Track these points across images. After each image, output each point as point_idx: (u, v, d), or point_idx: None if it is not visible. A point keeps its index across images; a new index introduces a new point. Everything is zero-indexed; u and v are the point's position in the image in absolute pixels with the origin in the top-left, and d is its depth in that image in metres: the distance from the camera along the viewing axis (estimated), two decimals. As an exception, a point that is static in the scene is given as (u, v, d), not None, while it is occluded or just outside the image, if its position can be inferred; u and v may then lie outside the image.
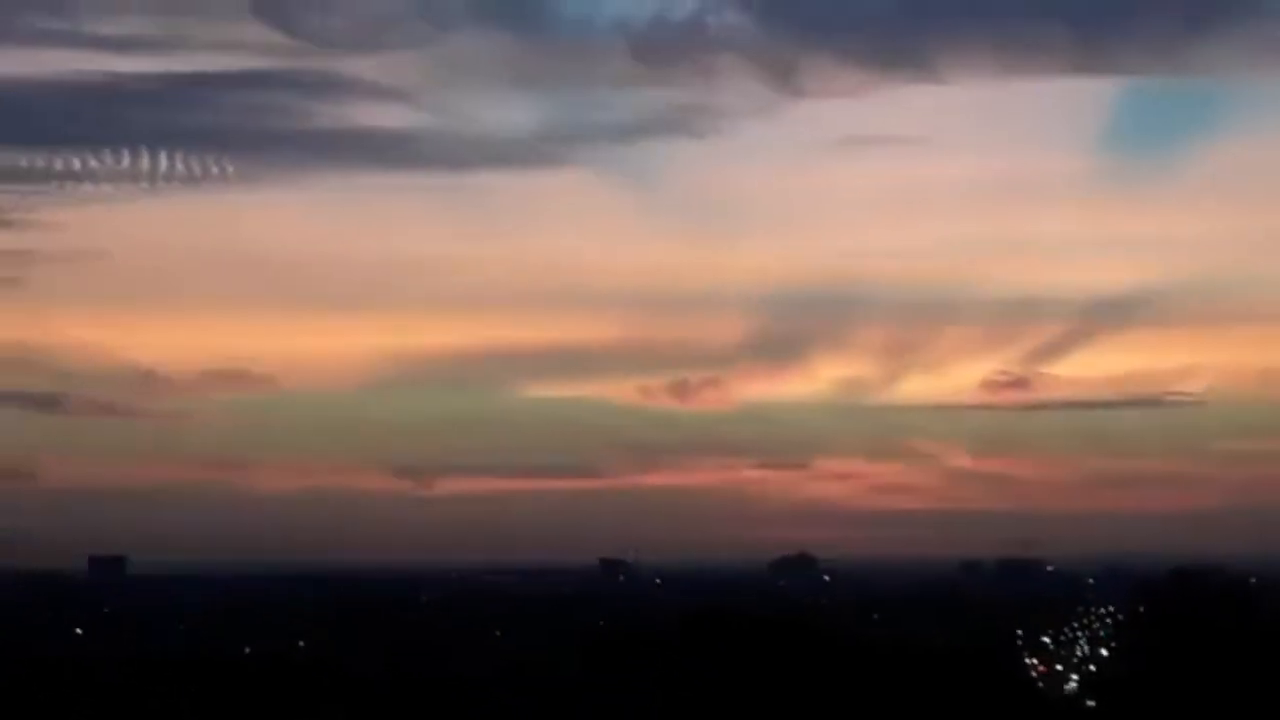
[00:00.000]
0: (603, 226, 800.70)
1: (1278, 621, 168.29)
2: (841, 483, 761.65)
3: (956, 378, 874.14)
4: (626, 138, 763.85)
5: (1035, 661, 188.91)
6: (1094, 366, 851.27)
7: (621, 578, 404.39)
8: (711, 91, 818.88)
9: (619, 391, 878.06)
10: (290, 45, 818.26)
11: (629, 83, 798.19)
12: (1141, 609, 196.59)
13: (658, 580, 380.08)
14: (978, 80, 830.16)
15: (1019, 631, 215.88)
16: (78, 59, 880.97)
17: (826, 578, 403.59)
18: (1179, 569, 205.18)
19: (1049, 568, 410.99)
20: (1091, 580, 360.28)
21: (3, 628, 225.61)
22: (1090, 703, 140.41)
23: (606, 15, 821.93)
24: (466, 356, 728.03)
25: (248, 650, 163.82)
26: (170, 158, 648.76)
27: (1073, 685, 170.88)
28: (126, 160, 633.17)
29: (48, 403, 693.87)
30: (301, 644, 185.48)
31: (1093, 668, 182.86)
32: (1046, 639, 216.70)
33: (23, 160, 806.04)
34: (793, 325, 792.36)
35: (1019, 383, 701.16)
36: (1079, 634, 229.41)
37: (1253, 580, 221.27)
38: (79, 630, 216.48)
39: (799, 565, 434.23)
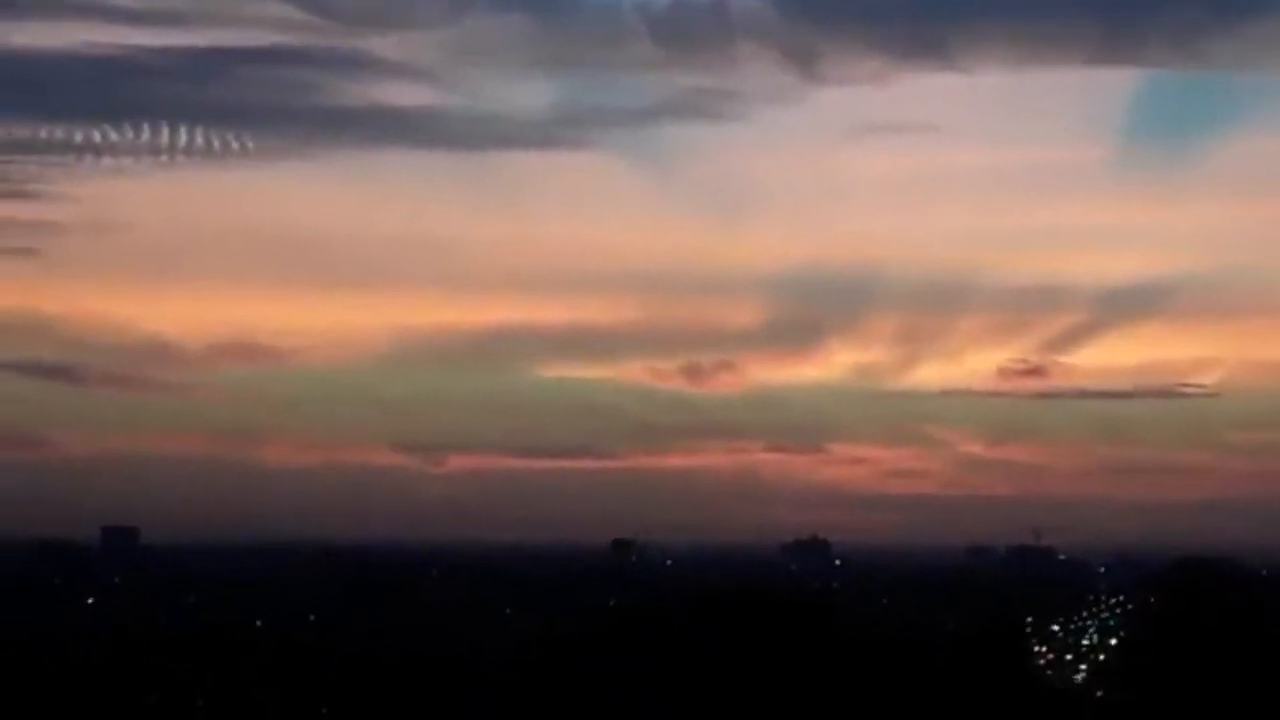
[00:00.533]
0: (620, 208, 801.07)
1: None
2: (855, 467, 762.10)
3: (971, 365, 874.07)
4: (646, 120, 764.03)
5: (1044, 649, 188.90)
6: (1109, 356, 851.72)
7: (633, 558, 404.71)
8: (731, 76, 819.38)
9: (632, 373, 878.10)
10: (312, 22, 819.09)
11: (649, 66, 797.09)
12: (1151, 599, 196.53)
13: (668, 562, 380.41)
14: (997, 69, 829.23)
15: (1028, 619, 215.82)
16: (99, 31, 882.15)
17: (838, 561, 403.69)
18: (1189, 559, 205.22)
19: (1060, 556, 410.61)
20: (1102, 569, 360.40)
21: (15, 596, 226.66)
22: (1099, 692, 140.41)
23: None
24: (481, 335, 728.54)
25: (258, 623, 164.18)
26: (190, 132, 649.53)
27: (1081, 674, 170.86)
28: (146, 134, 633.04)
29: (61, 373, 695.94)
30: (311, 618, 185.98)
31: (1101, 657, 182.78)
32: (1056, 627, 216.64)
33: (42, 132, 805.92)
34: (808, 309, 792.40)
35: (1034, 371, 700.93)
36: (1089, 623, 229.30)
37: (1263, 572, 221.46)
38: (90, 600, 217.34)
39: (811, 548, 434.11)
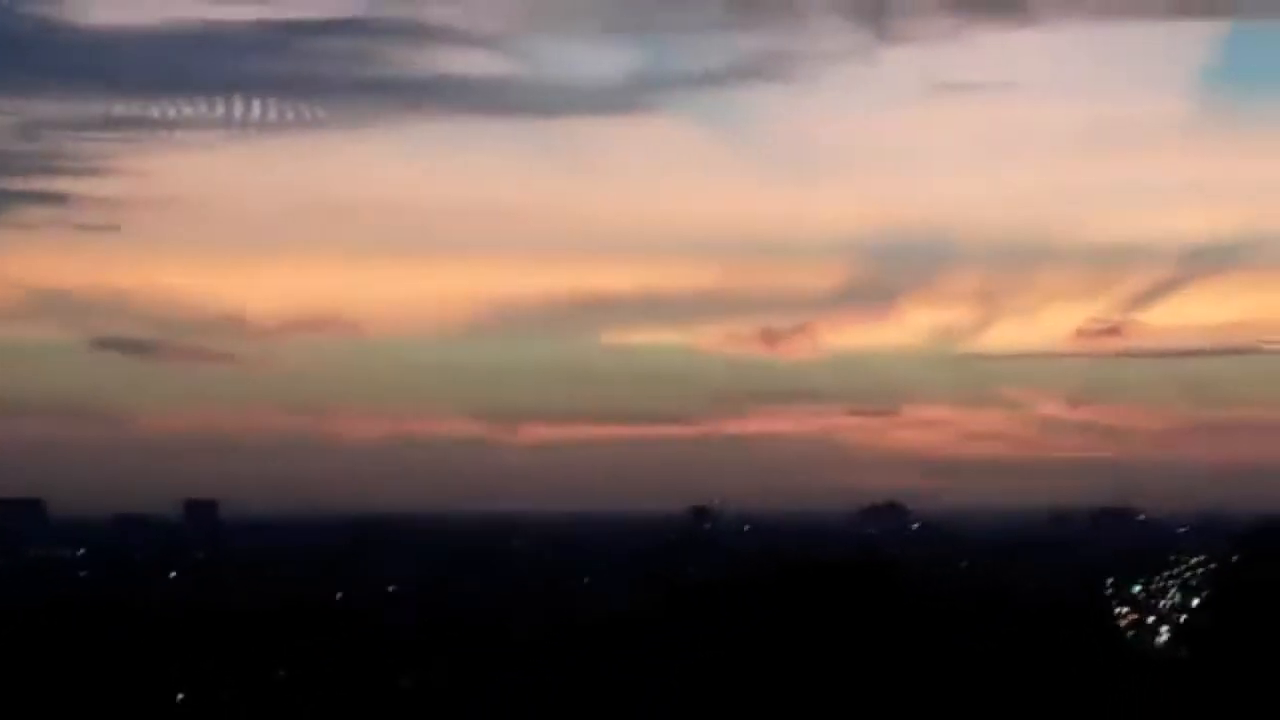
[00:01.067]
0: (693, 173, 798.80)
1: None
2: (932, 430, 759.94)
3: (1049, 326, 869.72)
4: (717, 83, 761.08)
5: (1125, 611, 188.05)
6: (1189, 314, 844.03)
7: (708, 525, 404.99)
8: (802, 37, 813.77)
9: (708, 339, 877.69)
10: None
11: (719, 28, 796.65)
12: (1233, 558, 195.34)
13: (746, 527, 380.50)
14: (1073, 24, 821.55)
15: (1109, 581, 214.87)
16: (170, 6, 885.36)
17: (915, 526, 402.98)
18: (1270, 519, 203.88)
19: (1141, 517, 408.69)
20: (1183, 530, 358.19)
21: (101, 570, 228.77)
22: (1181, 653, 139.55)
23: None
24: (555, 303, 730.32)
25: (339, 596, 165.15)
26: (262, 105, 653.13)
27: (1163, 636, 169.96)
28: (219, 108, 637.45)
29: (141, 348, 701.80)
30: (391, 589, 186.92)
31: (1183, 618, 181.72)
32: (1137, 589, 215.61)
33: (117, 108, 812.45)
34: (883, 272, 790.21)
35: (1112, 330, 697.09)
36: (1170, 584, 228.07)
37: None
38: (173, 574, 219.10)
39: (888, 514, 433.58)
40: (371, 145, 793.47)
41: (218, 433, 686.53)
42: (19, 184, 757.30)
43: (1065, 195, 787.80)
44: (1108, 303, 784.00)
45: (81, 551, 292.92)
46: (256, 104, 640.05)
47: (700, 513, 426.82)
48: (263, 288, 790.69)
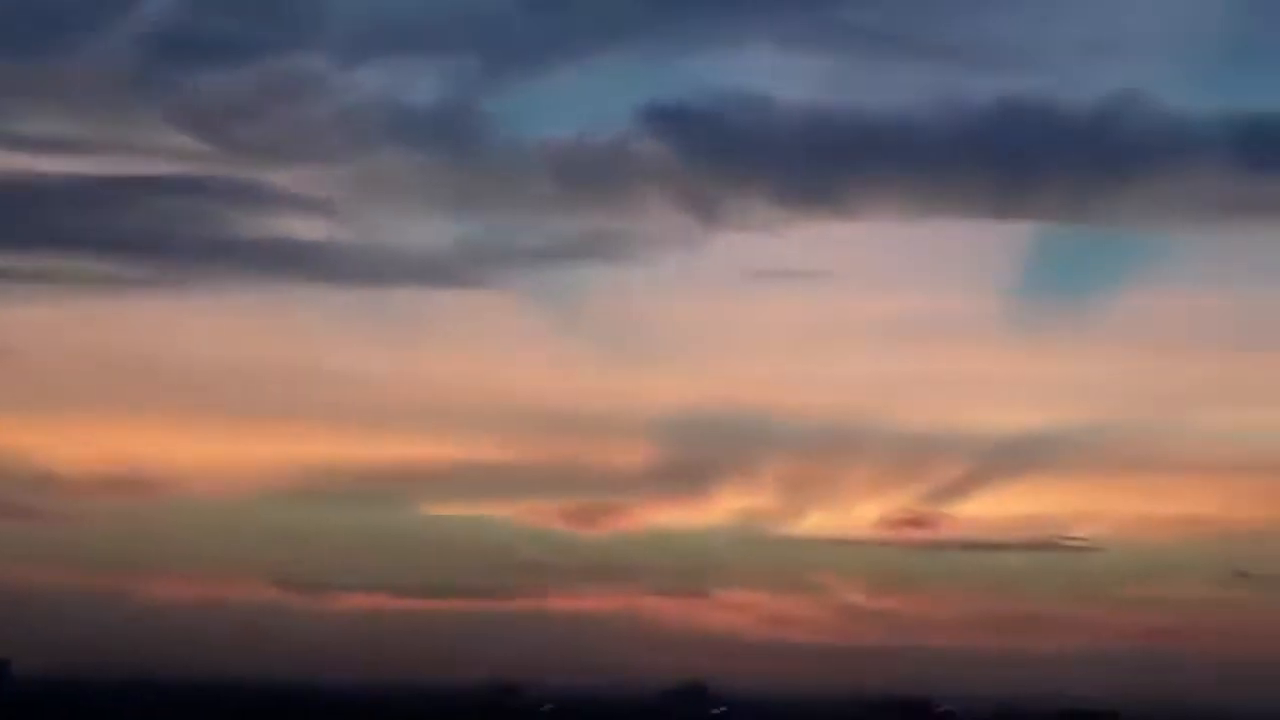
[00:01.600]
0: (516, 348, 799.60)
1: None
2: (740, 613, 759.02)
3: (858, 513, 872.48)
4: (545, 260, 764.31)
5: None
6: (994, 508, 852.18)
7: (514, 702, 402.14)
8: (631, 219, 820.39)
9: (522, 513, 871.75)
10: (210, 152, 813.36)
11: (551, 206, 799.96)
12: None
13: (547, 706, 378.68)
14: (891, 219, 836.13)
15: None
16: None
17: (721, 709, 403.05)
18: (1069, 711, 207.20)
19: (941, 708, 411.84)
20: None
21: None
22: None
23: (531, 139, 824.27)
24: (369, 471, 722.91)
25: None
26: (82, 259, 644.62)
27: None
28: (39, 260, 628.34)
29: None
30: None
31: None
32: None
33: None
34: (698, 454, 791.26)
35: (919, 521, 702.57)
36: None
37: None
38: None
39: (691, 695, 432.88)
40: (197, 305, 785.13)
41: (14, 589, 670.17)
42: None
43: (877, 385, 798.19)
44: (916, 493, 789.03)
45: None
46: (76, 258, 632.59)
47: (506, 689, 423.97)
48: (72, 445, 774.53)
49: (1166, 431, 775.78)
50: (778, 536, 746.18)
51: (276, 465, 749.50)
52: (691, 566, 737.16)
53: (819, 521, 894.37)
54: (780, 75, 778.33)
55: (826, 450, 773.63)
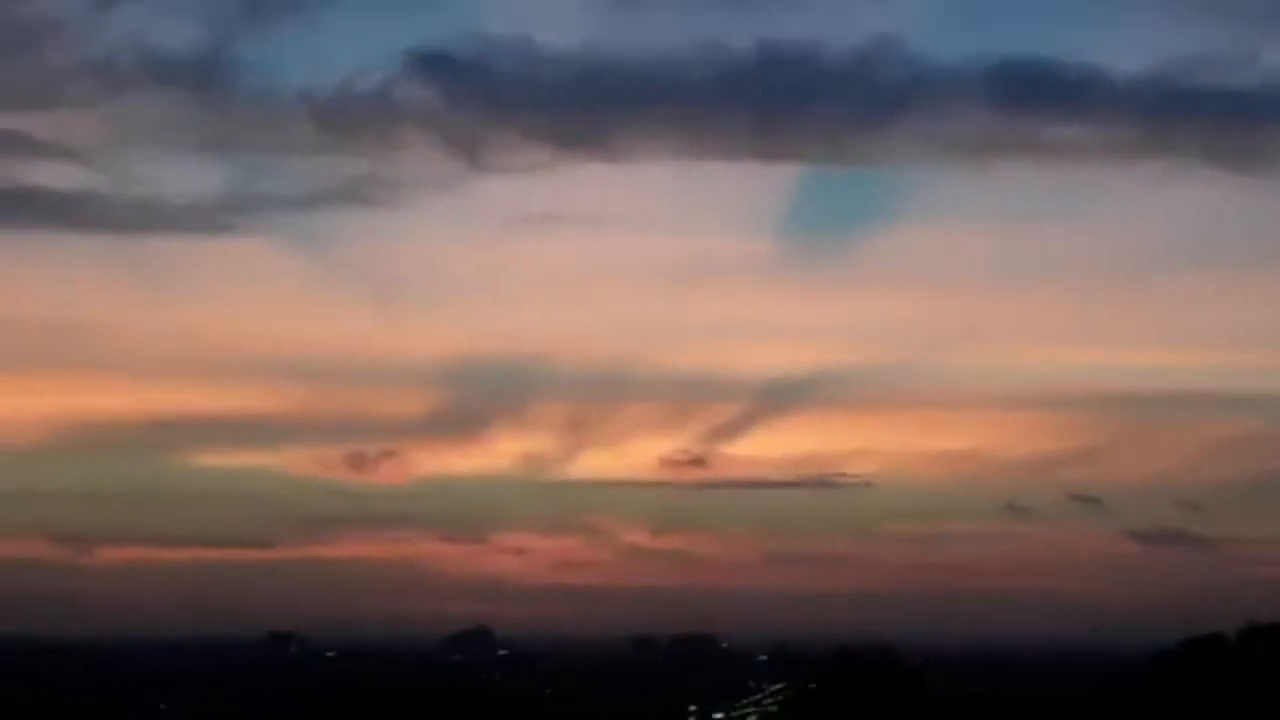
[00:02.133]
0: (281, 295, 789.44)
1: (944, 700, 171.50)
2: (519, 557, 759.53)
3: (635, 455, 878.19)
4: (308, 207, 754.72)
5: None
6: (769, 447, 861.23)
7: (293, 650, 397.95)
8: (395, 164, 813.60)
9: (293, 462, 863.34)
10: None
11: (312, 151, 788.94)
12: (811, 686, 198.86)
13: (330, 654, 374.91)
14: (658, 162, 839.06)
15: (691, 708, 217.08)
16: None
17: (503, 652, 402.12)
18: (846, 648, 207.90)
19: (723, 644, 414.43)
20: (763, 657, 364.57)
21: None
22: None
23: (290, 83, 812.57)
24: (136, 424, 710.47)
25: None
26: None
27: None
28: None
29: None
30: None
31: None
32: (719, 716, 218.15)
33: None
34: (472, 400, 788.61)
35: (695, 461, 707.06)
36: (750, 712, 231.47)
37: (919, 660, 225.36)
38: None
39: (475, 639, 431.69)
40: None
41: None
42: None
43: (650, 328, 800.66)
44: (692, 434, 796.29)
45: None
46: None
47: (283, 638, 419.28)
48: None
49: (935, 369, 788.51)
50: (556, 480, 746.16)
51: (38, 418, 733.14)
52: (470, 512, 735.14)
53: (597, 464, 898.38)
54: (545, 20, 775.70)
55: (602, 394, 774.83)
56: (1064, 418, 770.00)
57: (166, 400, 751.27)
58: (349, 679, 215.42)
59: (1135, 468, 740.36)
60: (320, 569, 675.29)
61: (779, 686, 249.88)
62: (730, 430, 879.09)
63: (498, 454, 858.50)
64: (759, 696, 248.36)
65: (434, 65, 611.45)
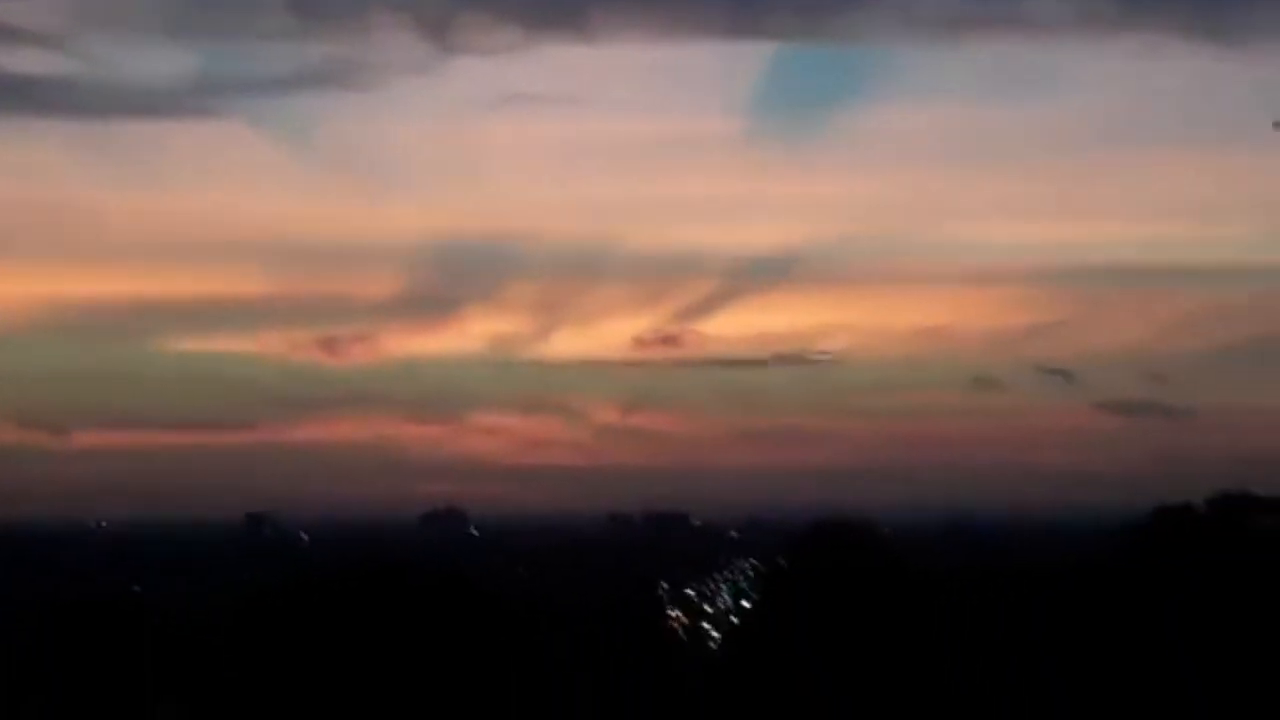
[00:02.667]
0: (254, 179, 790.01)
1: (918, 574, 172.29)
2: (493, 438, 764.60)
3: (608, 335, 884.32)
4: (280, 90, 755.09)
5: (679, 614, 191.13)
6: (741, 325, 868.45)
7: (267, 532, 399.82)
8: (367, 46, 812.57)
9: (268, 345, 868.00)
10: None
11: (283, 35, 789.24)
12: (783, 560, 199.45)
13: (304, 535, 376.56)
14: (631, 41, 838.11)
15: (664, 584, 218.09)
16: None
17: (475, 532, 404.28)
18: (819, 521, 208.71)
19: (695, 522, 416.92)
20: (735, 534, 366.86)
21: None
22: (731, 653, 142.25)
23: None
24: (111, 308, 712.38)
25: None
26: None
27: (715, 636, 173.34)
28: None
29: None
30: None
31: (735, 619, 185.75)
32: (690, 591, 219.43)
33: None
34: (445, 281, 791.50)
35: (668, 340, 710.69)
36: (722, 586, 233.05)
37: (888, 531, 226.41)
38: None
39: (448, 519, 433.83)
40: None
41: None
42: None
43: (624, 207, 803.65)
44: (664, 313, 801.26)
45: None
46: None
47: (257, 519, 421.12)
48: None
49: (905, 246, 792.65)
50: (528, 360, 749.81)
51: (13, 304, 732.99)
52: (443, 393, 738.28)
53: (569, 345, 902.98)
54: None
55: (574, 274, 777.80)
56: (1033, 292, 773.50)
57: (138, 284, 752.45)
58: (322, 559, 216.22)
59: (1103, 341, 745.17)
60: (294, 451, 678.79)
61: (751, 562, 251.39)
62: (702, 309, 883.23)
63: (470, 335, 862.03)
64: (730, 572, 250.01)
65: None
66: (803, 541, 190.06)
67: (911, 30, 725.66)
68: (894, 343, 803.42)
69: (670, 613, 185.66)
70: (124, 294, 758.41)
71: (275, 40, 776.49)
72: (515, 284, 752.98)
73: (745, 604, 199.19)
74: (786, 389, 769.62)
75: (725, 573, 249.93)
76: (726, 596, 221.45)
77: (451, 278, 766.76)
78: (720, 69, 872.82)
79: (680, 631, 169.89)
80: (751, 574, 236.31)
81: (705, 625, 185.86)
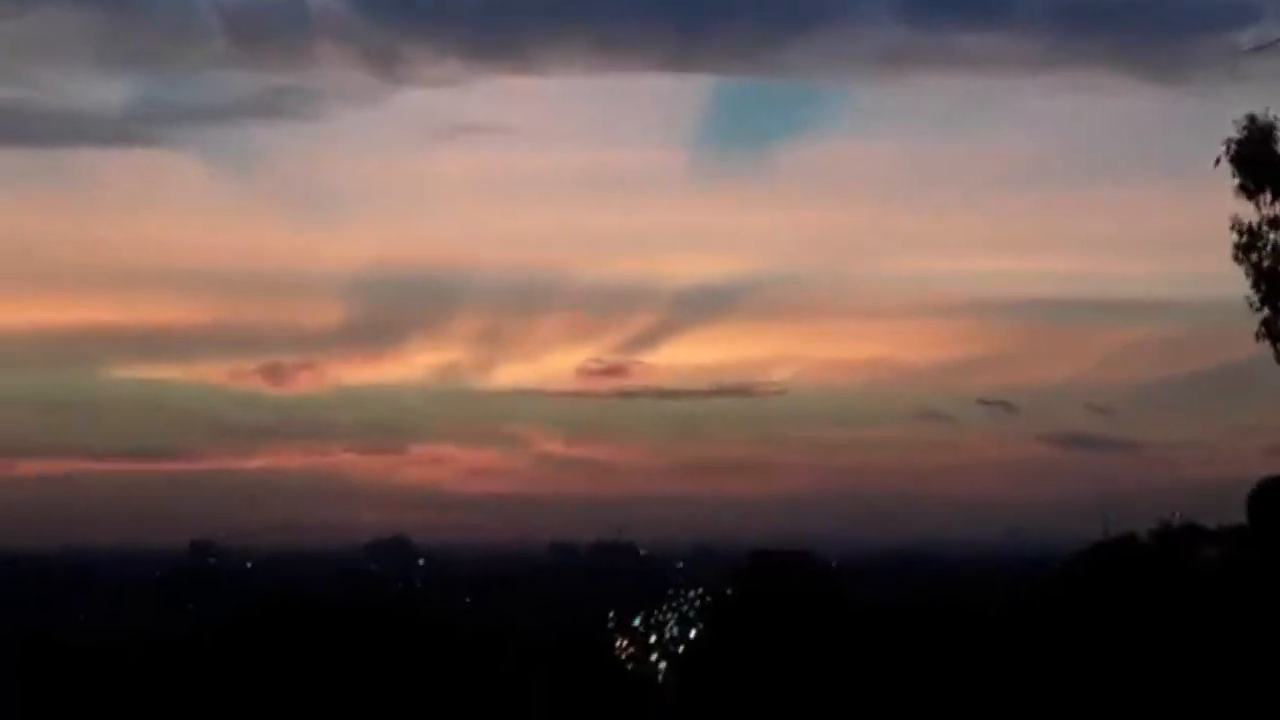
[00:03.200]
0: (196, 208, 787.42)
1: (860, 605, 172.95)
2: (437, 467, 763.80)
3: (552, 365, 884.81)
4: (222, 119, 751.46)
5: (626, 643, 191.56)
6: (686, 356, 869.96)
7: (212, 560, 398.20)
8: (309, 76, 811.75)
9: (211, 374, 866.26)
10: None
11: (225, 64, 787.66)
12: (728, 590, 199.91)
13: (248, 564, 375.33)
14: (574, 73, 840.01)
15: (610, 614, 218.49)
16: None
17: (421, 561, 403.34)
18: (762, 551, 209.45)
19: (641, 551, 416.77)
20: (681, 564, 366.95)
21: None
22: (676, 681, 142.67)
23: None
24: (52, 336, 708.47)
25: None
26: None
27: (662, 665, 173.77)
28: None
29: None
30: None
31: (681, 649, 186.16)
32: (637, 621, 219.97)
33: None
34: (389, 311, 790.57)
35: (612, 371, 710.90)
36: (668, 615, 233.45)
37: (834, 563, 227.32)
38: None
39: (393, 548, 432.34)
40: None
41: None
42: None
43: (566, 239, 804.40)
44: (608, 344, 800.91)
45: None
46: None
47: (202, 547, 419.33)
48: None
49: (849, 278, 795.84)
50: (473, 390, 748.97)
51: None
52: (387, 422, 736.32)
53: (513, 374, 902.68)
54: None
55: (518, 304, 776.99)
56: (976, 325, 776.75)
57: (83, 313, 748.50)
58: (268, 588, 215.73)
59: (1046, 373, 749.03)
60: (238, 479, 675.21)
61: (697, 591, 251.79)
62: (646, 340, 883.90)
63: (414, 365, 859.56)
64: (678, 602, 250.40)
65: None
66: (747, 571, 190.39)
67: (853, 65, 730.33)
68: (838, 374, 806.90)
69: (618, 642, 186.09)
70: (66, 323, 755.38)
71: (218, 69, 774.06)
72: (459, 314, 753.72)
73: (692, 633, 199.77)
74: (731, 420, 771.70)
75: (672, 602, 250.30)
76: (674, 626, 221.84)
77: (395, 307, 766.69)
78: (664, 101, 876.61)
79: (627, 661, 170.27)
80: (699, 603, 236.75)
81: (652, 655, 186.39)
